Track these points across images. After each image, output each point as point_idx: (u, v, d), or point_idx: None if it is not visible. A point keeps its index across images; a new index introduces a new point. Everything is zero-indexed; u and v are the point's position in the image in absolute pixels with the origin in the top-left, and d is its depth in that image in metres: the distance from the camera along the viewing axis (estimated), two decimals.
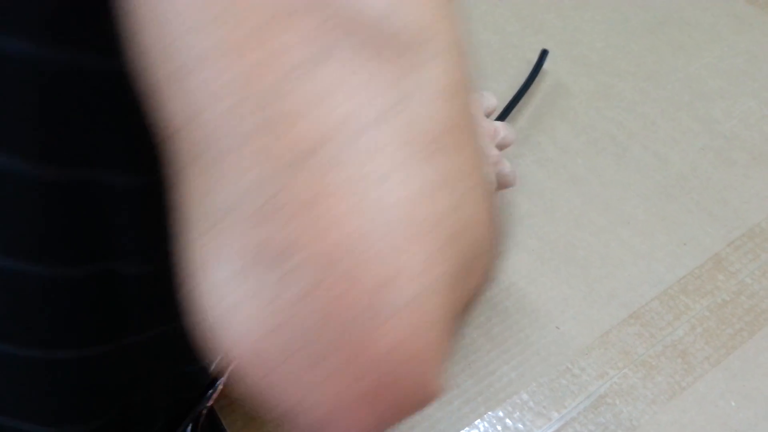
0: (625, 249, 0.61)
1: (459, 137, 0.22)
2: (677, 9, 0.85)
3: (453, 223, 0.21)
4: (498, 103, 0.55)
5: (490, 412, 0.51)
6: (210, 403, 0.42)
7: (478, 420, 0.51)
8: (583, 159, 0.68)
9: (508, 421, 0.51)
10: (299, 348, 0.19)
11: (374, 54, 0.20)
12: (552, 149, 0.69)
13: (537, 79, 0.75)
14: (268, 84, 0.19)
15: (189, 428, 0.42)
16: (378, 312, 0.19)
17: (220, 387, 0.42)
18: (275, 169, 0.19)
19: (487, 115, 0.55)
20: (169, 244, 0.23)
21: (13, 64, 0.25)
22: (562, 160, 0.68)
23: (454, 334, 0.23)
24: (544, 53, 0.76)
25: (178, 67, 0.20)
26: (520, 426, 0.50)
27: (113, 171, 0.28)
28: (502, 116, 0.70)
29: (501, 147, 0.52)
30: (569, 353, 0.54)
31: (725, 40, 0.81)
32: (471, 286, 0.23)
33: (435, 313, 0.20)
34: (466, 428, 0.50)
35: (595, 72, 0.77)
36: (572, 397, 0.52)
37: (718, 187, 0.66)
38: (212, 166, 0.20)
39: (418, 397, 0.21)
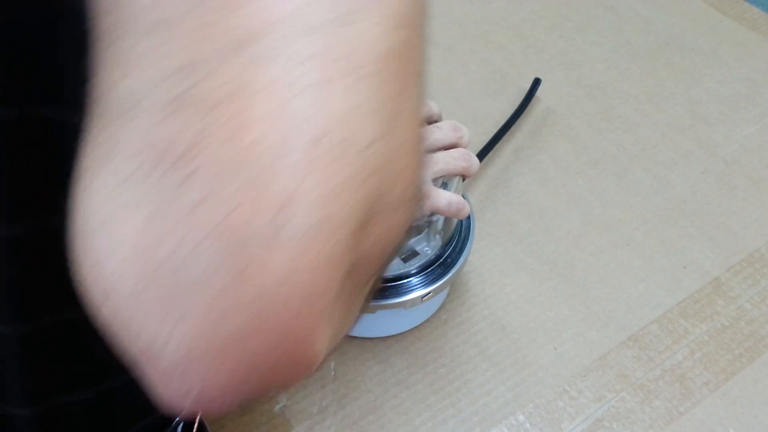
0: (625, 271, 0.60)
1: (402, 69, 0.20)
2: (679, 33, 0.85)
3: (375, 156, 0.19)
4: (439, 111, 0.53)
5: None
6: None
7: None
8: (583, 179, 0.68)
9: None
10: (172, 270, 0.17)
11: None
12: (552, 169, 0.69)
13: (539, 98, 0.75)
14: None
15: (179, 428, 0.42)
16: (272, 235, 0.17)
17: None
18: (205, 54, 0.17)
19: (428, 122, 0.52)
20: None
21: None
22: (563, 180, 0.68)
23: (352, 304, 0.21)
24: (536, 82, 0.76)
25: None
26: None
27: (68, 108, 0.25)
28: (495, 140, 0.69)
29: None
30: (567, 375, 0.54)
31: (726, 65, 0.81)
32: (382, 236, 0.20)
33: (333, 252, 0.18)
34: None
35: (597, 93, 0.77)
36: (569, 420, 0.51)
37: (719, 211, 0.65)
38: (133, 47, 0.18)
39: (294, 355, 0.19)
